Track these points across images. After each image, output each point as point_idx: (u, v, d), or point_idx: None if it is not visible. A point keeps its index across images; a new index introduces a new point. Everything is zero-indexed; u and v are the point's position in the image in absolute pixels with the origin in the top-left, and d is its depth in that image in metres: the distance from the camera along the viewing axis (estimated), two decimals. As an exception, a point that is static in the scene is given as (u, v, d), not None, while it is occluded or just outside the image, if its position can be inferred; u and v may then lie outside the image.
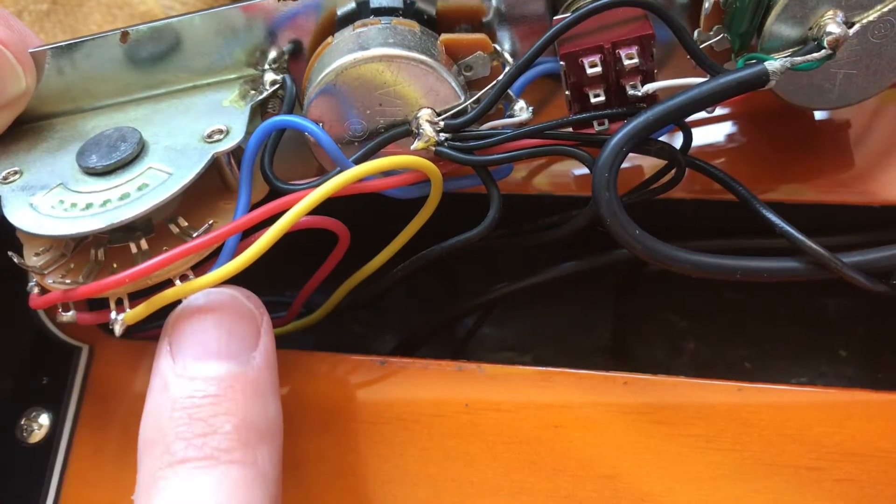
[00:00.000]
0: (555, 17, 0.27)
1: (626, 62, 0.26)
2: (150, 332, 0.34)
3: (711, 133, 0.33)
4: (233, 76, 0.29)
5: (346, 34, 0.27)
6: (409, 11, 0.28)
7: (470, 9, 0.28)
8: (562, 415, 0.28)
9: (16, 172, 0.28)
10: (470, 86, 0.28)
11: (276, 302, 0.32)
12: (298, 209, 0.25)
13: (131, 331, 0.35)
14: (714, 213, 0.31)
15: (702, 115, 0.28)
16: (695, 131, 0.28)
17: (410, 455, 0.28)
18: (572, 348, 0.38)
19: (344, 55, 0.26)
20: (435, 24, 0.28)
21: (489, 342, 0.39)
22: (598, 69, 0.26)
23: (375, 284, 0.31)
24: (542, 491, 0.27)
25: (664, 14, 0.26)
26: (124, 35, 0.28)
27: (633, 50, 0.26)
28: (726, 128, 0.33)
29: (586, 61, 0.26)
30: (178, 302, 0.26)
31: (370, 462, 0.28)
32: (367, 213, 0.30)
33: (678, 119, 0.26)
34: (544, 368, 0.29)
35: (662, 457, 0.27)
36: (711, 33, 0.28)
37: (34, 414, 0.31)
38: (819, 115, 0.32)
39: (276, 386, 0.26)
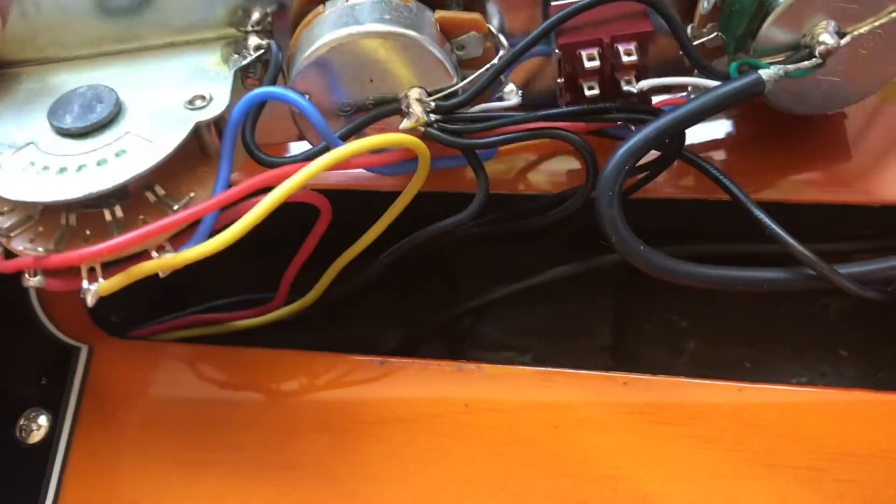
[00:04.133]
0: (552, 3, 0.27)
1: (625, 58, 0.26)
2: (148, 330, 0.34)
3: (710, 131, 0.33)
4: (213, 35, 0.28)
5: (339, 5, 0.26)
6: None
7: None
8: (562, 415, 0.28)
9: None
10: (461, 65, 0.28)
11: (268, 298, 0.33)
12: (288, 187, 0.24)
13: (127, 329, 0.35)
14: (713, 215, 0.31)
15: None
16: (695, 129, 0.28)
17: (410, 455, 0.28)
18: (572, 348, 0.38)
19: (337, 28, 0.26)
20: None
21: (489, 342, 0.39)
22: (596, 63, 0.26)
23: (364, 272, 0.31)
24: (542, 491, 0.27)
25: (666, 14, 0.26)
26: None
27: (632, 46, 0.26)
28: (726, 126, 0.33)
29: (584, 54, 0.26)
30: (156, 275, 0.25)
31: (370, 462, 0.28)
32: (355, 207, 0.30)
33: (678, 132, 0.26)
34: (544, 368, 0.29)
35: (662, 457, 0.27)
36: (705, 30, 0.28)
37: (33, 414, 0.31)
38: (819, 115, 0.32)
39: None
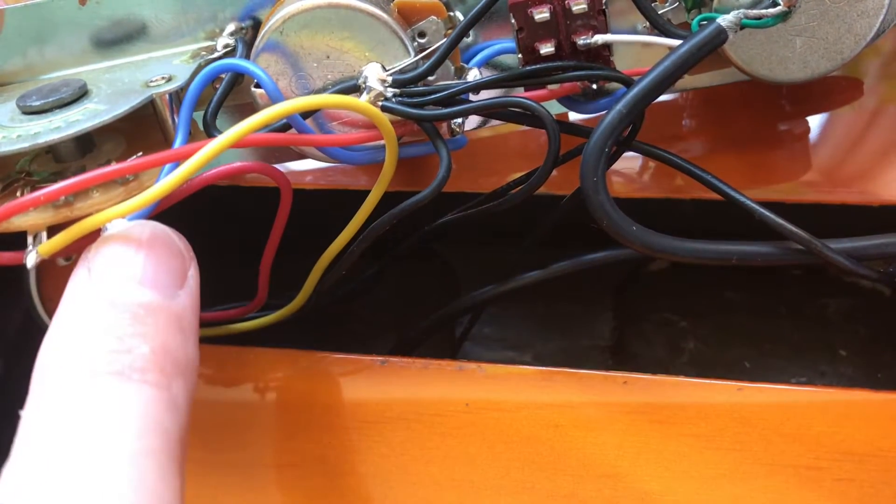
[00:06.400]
0: None
1: (576, 8, 0.26)
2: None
3: (706, 131, 0.33)
4: (190, 46, 0.30)
5: None
6: None
7: None
8: (562, 415, 0.28)
9: None
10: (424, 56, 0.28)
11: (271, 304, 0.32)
12: (228, 137, 0.24)
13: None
14: (708, 215, 0.31)
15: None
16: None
17: (410, 455, 0.28)
18: (572, 347, 0.38)
19: (293, 4, 0.26)
20: None
21: (489, 342, 0.39)
22: (546, 15, 0.26)
23: (338, 266, 0.30)
24: (542, 490, 0.27)
25: None
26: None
27: None
28: (722, 126, 0.33)
29: (535, 11, 0.26)
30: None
31: (370, 462, 0.28)
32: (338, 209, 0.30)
33: (649, 102, 0.26)
34: (544, 368, 0.29)
35: (662, 456, 0.27)
36: (667, 4, 0.28)
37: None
38: (819, 114, 0.32)
39: (196, 330, 0.24)
